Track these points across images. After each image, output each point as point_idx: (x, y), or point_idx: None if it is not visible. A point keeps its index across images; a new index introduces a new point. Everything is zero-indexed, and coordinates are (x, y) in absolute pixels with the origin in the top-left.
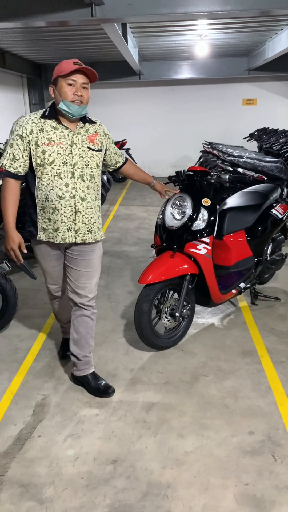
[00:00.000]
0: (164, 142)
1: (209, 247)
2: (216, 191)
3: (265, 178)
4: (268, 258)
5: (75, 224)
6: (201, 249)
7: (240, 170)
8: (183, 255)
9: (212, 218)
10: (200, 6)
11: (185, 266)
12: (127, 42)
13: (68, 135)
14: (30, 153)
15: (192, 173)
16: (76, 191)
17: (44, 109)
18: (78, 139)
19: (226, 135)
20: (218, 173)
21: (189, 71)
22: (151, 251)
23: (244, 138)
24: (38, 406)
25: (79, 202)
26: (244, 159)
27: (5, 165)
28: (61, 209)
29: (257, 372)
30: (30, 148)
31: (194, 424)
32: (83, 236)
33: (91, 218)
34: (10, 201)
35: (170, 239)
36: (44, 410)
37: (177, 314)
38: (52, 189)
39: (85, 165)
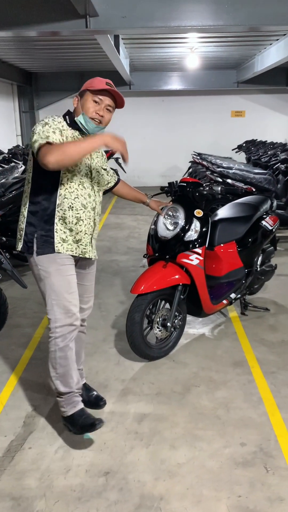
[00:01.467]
0: (153, 152)
1: (201, 258)
2: (207, 201)
3: (254, 190)
4: (258, 269)
5: (91, 238)
6: (193, 259)
7: (229, 181)
8: (175, 265)
9: (204, 229)
10: (193, 20)
11: (177, 277)
12: (119, 53)
13: None
14: None
15: (185, 184)
16: (95, 203)
17: (62, 117)
18: (92, 154)
19: (215, 146)
20: (210, 184)
21: (179, 82)
22: (142, 260)
23: (232, 150)
24: (28, 417)
25: (96, 215)
26: (233, 171)
27: (47, 136)
28: (85, 219)
29: (248, 382)
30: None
31: (186, 435)
32: (94, 252)
33: (97, 233)
34: (71, 143)
35: (162, 249)
36: (35, 421)
37: (168, 324)
38: (77, 197)
39: (100, 180)
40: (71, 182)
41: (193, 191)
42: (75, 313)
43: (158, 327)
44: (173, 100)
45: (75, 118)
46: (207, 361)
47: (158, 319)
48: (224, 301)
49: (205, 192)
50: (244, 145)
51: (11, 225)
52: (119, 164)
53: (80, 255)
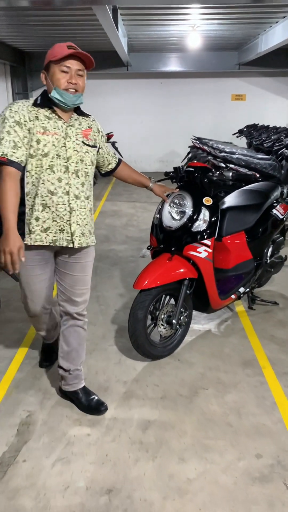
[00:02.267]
0: (151, 136)
1: (210, 250)
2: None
3: (258, 176)
4: (268, 261)
5: (69, 225)
6: (202, 252)
7: (232, 166)
8: (181, 258)
9: (213, 219)
10: None
11: (184, 270)
12: (117, 30)
13: (62, 126)
14: (28, 142)
15: (193, 169)
16: (70, 187)
17: (34, 98)
18: (72, 131)
19: (214, 130)
20: (221, 170)
21: (178, 64)
22: (141, 250)
23: (233, 134)
24: (22, 425)
25: (73, 199)
26: (237, 156)
27: (7, 153)
28: (53, 206)
29: (260, 385)
30: (28, 136)
31: (195, 445)
32: (79, 240)
33: (84, 219)
34: (11, 194)
35: (167, 241)
36: (30, 429)
37: (174, 321)
38: (43, 183)
39: (80, 160)
40: (36, 168)
41: (202, 177)
42: (30, 309)
43: (162, 325)
44: (171, 83)
45: (50, 95)
46: (214, 360)
47: (162, 316)
48: (233, 296)
49: (215, 178)
50: (245, 129)
51: None
52: (116, 149)
53: (51, 244)
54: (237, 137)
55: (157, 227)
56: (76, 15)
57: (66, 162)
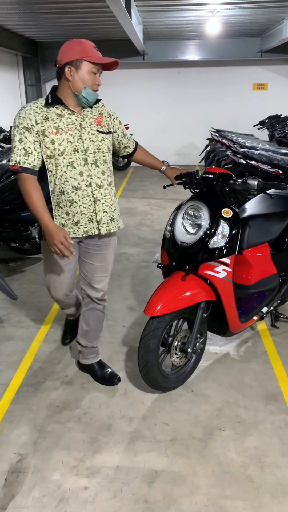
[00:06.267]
0: (168, 128)
1: (229, 269)
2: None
3: (281, 172)
4: None
5: (96, 214)
6: (220, 271)
7: (253, 163)
8: (197, 278)
9: (233, 233)
10: None
11: (200, 292)
12: (131, 17)
13: (76, 120)
14: (40, 144)
15: (211, 176)
16: (91, 178)
17: (44, 98)
18: (86, 122)
19: (234, 121)
20: (244, 177)
21: (196, 52)
22: (154, 254)
23: (254, 126)
24: (12, 473)
25: (96, 189)
26: (258, 151)
27: (19, 161)
28: (79, 200)
29: (285, 425)
30: (39, 139)
31: (209, 507)
32: (107, 226)
33: (111, 205)
34: (37, 196)
35: (181, 258)
36: (19, 479)
37: (189, 349)
38: (67, 180)
39: (97, 149)
40: (57, 167)
41: (222, 185)
42: (53, 295)
43: (176, 353)
44: (189, 72)
45: (78, 94)
46: (233, 392)
47: (176, 344)
48: (255, 317)
49: (238, 187)
50: (267, 121)
51: (8, 215)
52: None
53: (84, 235)
54: (258, 129)
55: (169, 241)
56: (89, 1)
57: (84, 155)
